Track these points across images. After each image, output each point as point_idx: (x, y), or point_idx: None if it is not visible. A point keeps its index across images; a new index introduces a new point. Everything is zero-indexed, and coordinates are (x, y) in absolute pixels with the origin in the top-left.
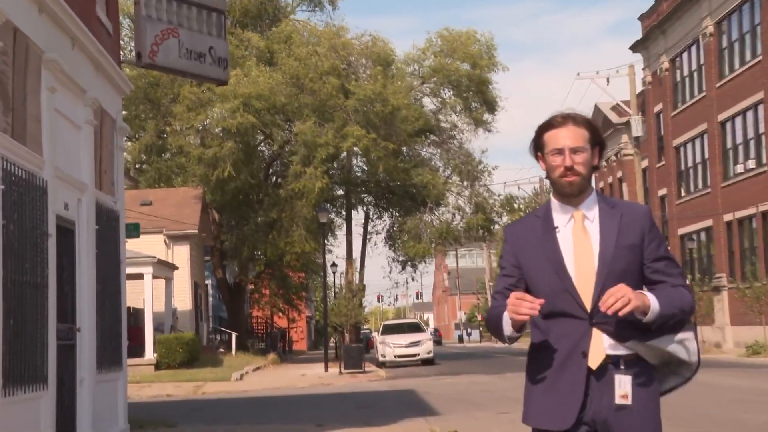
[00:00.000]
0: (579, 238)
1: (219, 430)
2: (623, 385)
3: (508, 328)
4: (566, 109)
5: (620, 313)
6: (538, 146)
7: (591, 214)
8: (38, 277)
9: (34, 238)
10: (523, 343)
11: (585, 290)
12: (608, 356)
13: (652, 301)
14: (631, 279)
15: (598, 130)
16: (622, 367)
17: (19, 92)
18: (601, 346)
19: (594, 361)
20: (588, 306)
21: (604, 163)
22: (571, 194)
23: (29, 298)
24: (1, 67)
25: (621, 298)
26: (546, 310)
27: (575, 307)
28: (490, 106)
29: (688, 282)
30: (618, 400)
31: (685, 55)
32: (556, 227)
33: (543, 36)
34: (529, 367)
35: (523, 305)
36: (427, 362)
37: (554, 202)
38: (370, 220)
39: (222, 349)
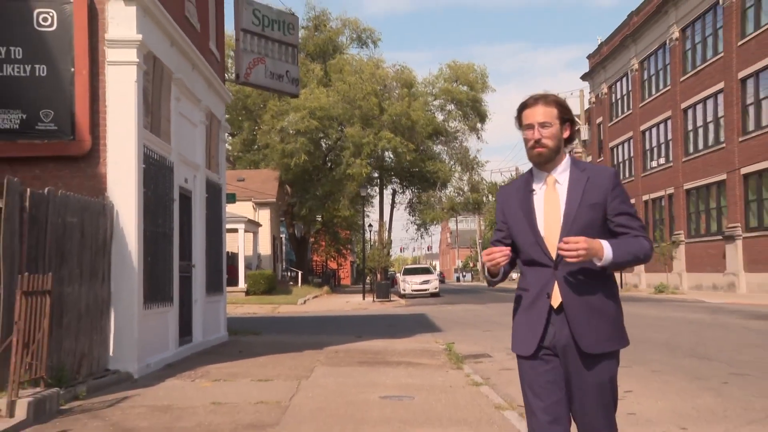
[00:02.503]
0: (549, 199)
1: (289, 338)
2: None
3: (487, 274)
4: (540, 91)
5: (573, 260)
6: (519, 123)
7: (562, 178)
8: (167, 229)
9: (164, 202)
10: (506, 283)
11: (551, 243)
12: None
13: (606, 249)
14: (593, 232)
15: (567, 108)
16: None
17: (156, 100)
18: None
19: (555, 300)
20: (553, 255)
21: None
22: (539, 163)
23: (160, 244)
24: (144, 84)
25: (576, 246)
26: (525, 258)
27: (543, 256)
28: (482, 117)
29: None
30: None
31: (618, 84)
32: (533, 190)
33: (520, 67)
34: (514, 305)
35: (496, 255)
36: (434, 295)
37: (534, 169)
38: (396, 195)
39: (291, 282)
